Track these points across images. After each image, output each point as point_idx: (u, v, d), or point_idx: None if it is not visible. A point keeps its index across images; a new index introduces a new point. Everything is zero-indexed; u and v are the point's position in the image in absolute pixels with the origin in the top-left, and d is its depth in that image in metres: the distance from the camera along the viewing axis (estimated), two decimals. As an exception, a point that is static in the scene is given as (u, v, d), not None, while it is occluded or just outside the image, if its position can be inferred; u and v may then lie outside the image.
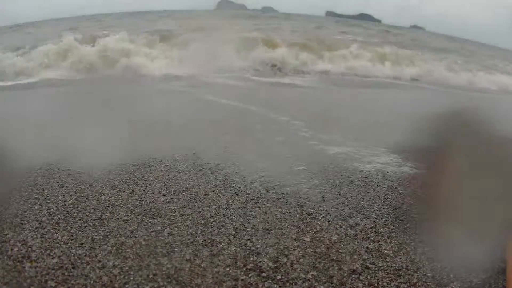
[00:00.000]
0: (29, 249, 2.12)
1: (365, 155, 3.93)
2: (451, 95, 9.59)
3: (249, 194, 2.89)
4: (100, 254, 2.10)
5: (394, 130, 5.07)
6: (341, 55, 11.58)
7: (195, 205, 2.68)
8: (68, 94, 7.31)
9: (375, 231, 2.43)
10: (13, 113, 5.50)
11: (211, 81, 8.88)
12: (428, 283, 1.96)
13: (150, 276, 1.94)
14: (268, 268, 2.03)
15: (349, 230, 2.44)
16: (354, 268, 2.06)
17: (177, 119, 5.17)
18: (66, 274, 1.93)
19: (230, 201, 2.77)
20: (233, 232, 2.36)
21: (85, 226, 2.37)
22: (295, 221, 2.52)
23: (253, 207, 2.69)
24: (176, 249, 2.17)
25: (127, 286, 1.87)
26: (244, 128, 4.86)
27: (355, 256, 2.16)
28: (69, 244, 2.18)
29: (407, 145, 4.35)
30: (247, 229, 2.39)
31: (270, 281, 1.94)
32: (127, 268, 1.99)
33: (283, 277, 1.97)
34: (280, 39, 12.22)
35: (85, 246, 2.16)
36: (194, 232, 2.35)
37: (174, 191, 2.90)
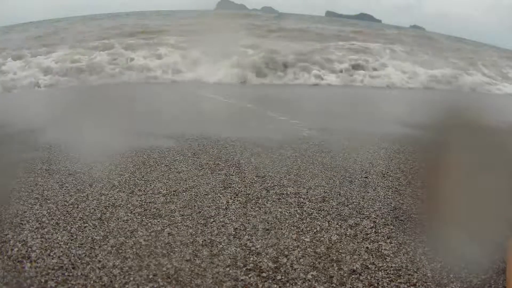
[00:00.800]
0: (29, 249, 2.12)
1: (364, 154, 3.93)
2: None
3: (249, 194, 2.89)
4: (100, 254, 2.09)
5: (393, 129, 5.07)
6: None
7: (195, 205, 2.68)
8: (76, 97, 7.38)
9: (375, 231, 2.43)
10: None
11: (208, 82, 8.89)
12: (428, 283, 1.96)
13: (150, 276, 1.94)
14: (268, 268, 2.03)
15: (349, 230, 2.44)
16: (354, 268, 2.06)
17: (176, 119, 5.18)
18: (66, 274, 1.93)
19: (230, 201, 2.77)
20: (233, 232, 2.36)
21: (85, 226, 2.37)
22: (295, 221, 2.52)
23: (253, 207, 2.69)
24: (176, 249, 2.17)
25: (127, 286, 1.87)
26: (244, 127, 4.86)
27: (355, 256, 2.16)
28: (69, 244, 2.18)
29: (408, 144, 4.36)
30: (247, 229, 2.39)
31: (270, 281, 1.94)
32: (127, 268, 1.99)
33: (283, 277, 1.97)
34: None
35: (85, 246, 2.16)
36: (194, 232, 2.35)
37: (174, 191, 2.90)
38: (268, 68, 10.11)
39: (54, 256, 2.07)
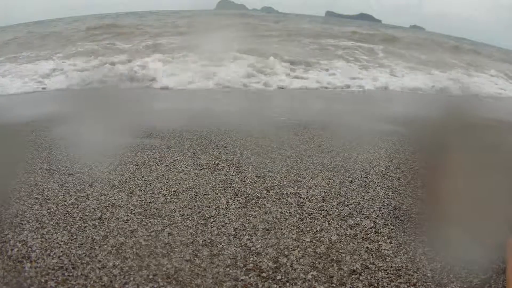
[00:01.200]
0: (29, 249, 2.12)
1: (364, 154, 3.93)
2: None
3: (249, 194, 2.89)
4: (100, 254, 2.09)
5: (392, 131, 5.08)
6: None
7: (195, 205, 2.68)
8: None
9: (375, 231, 2.43)
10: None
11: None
12: (428, 283, 1.96)
13: (150, 277, 1.94)
14: (268, 268, 2.03)
15: (349, 230, 2.44)
16: (354, 268, 2.06)
17: (176, 119, 5.17)
18: (66, 274, 1.93)
19: (230, 201, 2.77)
20: (233, 232, 2.36)
21: (85, 226, 2.36)
22: (295, 221, 2.52)
23: (253, 207, 2.69)
24: (176, 249, 2.17)
25: (127, 286, 1.87)
26: (243, 127, 4.85)
27: (355, 256, 2.16)
28: (69, 244, 2.18)
29: (408, 145, 4.36)
30: (247, 229, 2.39)
31: (270, 281, 1.94)
32: (127, 268, 1.99)
33: (283, 277, 1.97)
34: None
35: (85, 246, 2.16)
36: (194, 232, 2.35)
37: (174, 191, 2.90)
38: (266, 70, 10.08)
39: (54, 256, 2.07)
